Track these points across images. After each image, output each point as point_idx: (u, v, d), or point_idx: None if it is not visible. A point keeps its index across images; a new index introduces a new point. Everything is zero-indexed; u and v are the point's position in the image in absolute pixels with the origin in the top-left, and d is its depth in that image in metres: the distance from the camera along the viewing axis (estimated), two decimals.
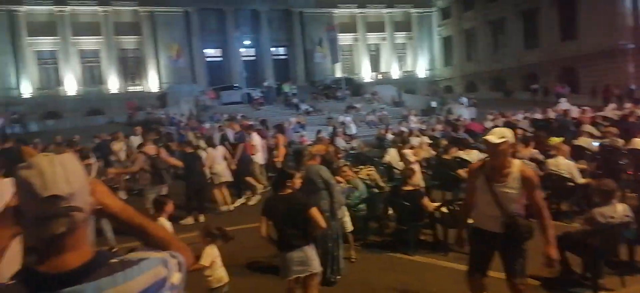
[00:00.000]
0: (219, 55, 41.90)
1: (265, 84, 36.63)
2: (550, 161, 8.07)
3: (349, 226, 6.45)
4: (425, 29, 48.23)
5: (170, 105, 31.89)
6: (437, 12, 48.15)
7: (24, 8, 35.09)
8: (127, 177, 11.62)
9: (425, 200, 6.89)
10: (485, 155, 9.92)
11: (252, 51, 42.18)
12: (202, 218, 8.89)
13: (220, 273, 4.52)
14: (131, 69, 39.35)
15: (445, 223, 6.76)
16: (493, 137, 3.63)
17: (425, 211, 6.81)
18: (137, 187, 11.25)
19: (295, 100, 32.58)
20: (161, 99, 36.06)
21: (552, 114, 18.63)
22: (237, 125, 15.42)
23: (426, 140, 12.19)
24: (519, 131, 11.72)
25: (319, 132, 16.36)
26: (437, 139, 14.14)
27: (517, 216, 3.65)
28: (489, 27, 42.48)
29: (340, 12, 44.43)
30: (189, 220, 8.74)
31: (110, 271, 1.19)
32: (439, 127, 18.97)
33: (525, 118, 19.19)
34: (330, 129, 19.99)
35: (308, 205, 4.39)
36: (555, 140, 9.59)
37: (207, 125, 22.87)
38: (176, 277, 1.31)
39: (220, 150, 9.90)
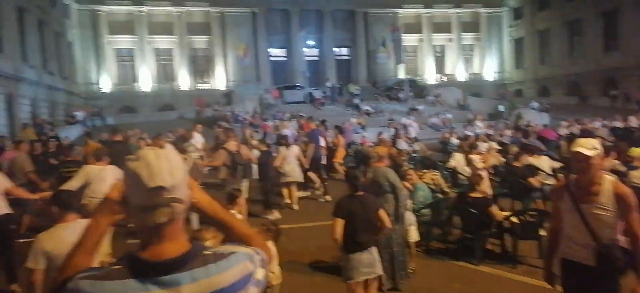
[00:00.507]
0: (283, 54, 42.69)
1: (328, 83, 36.87)
2: (633, 173, 7.45)
3: (415, 236, 6.24)
4: (494, 30, 46.32)
5: (236, 103, 32.88)
6: (508, 12, 46.06)
7: (105, 8, 37.68)
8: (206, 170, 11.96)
9: (494, 209, 6.60)
10: (560, 163, 9.35)
11: (315, 51, 42.61)
12: (276, 214, 9.14)
13: (278, 270, 4.56)
14: (201, 67, 41.12)
15: (515, 233, 6.44)
16: (584, 149, 3.01)
17: (493, 220, 6.53)
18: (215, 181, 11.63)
19: (356, 101, 32.50)
20: (227, 96, 37.29)
21: (634, 122, 17.25)
22: (286, 124, 15.77)
23: (494, 145, 11.68)
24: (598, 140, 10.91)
25: (380, 133, 16.20)
26: (505, 144, 13.52)
27: (612, 244, 3.01)
28: (565, 28, 40.01)
29: (405, 12, 43.73)
30: (276, 214, 9.01)
31: (203, 262, 1.25)
32: (508, 132, 18.14)
33: (603, 126, 17.92)
34: (391, 130, 19.74)
35: (378, 206, 4.36)
36: (638, 150, 8.84)
37: (269, 123, 23.40)
38: (260, 273, 1.36)
39: (293, 149, 10.07)
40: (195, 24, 39.76)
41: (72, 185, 5.79)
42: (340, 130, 15.44)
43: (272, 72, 41.62)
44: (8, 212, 5.57)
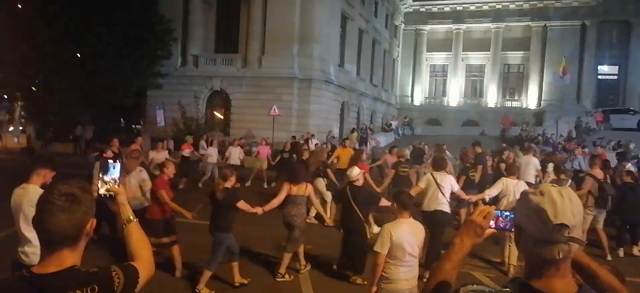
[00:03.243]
0: (615, 72, 36.53)
1: None
2: None
3: None
4: None
5: (547, 124, 30.17)
6: None
7: (427, 27, 40.81)
8: None
9: None
10: None
11: None
12: (636, 251, 8.19)
13: None
14: (511, 84, 39.59)
15: None
16: None
17: None
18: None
19: None
20: (537, 116, 34.64)
21: None
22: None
23: None
24: None
25: None
26: None
27: None
28: None
29: None
30: (620, 253, 8.12)
31: None
32: None
33: None
34: None
35: None
36: None
37: (586, 150, 20.40)
38: None
39: None
40: (512, 40, 38.44)
41: (417, 189, 6.84)
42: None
43: (598, 93, 36.37)
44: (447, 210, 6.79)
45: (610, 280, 1.44)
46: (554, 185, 1.31)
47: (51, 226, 1.48)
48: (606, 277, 1.44)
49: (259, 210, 5.83)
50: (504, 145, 19.30)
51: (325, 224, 6.45)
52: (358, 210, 5.92)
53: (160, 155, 12.01)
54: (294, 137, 19.06)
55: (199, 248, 6.30)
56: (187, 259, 6.28)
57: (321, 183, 9.83)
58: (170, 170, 6.25)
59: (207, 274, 5.56)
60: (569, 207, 1.25)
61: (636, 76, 34.22)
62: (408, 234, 3.94)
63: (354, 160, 8.66)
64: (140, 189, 6.64)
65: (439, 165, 7.10)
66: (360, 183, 6.20)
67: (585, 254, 1.45)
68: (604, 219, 7.95)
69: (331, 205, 9.24)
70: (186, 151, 14.42)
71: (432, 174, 6.88)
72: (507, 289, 1.30)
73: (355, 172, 6.18)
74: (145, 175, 6.83)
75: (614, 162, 13.04)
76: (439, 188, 6.65)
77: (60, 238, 1.50)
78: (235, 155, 14.38)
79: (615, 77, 36.53)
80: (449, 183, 6.81)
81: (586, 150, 20.45)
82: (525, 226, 1.32)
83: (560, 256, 1.25)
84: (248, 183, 14.19)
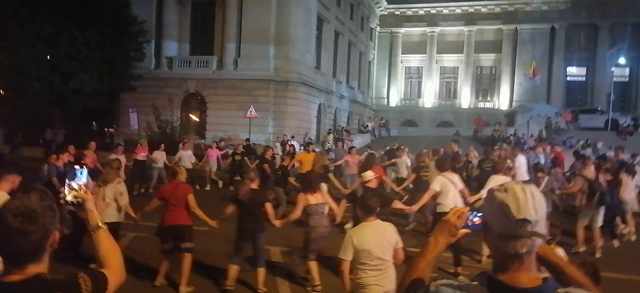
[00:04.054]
0: (582, 74, 37.71)
1: None
2: None
3: None
4: None
5: (518, 124, 30.94)
6: None
7: (402, 30, 41.28)
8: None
9: None
10: None
11: (625, 71, 35.90)
12: (616, 243, 8.49)
13: None
14: (484, 85, 40.41)
15: None
16: None
17: None
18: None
19: None
20: (509, 117, 35.46)
21: None
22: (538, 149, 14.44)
23: None
24: None
25: None
26: None
27: None
28: None
29: None
30: (615, 243, 8.54)
31: None
32: None
33: None
34: None
35: None
36: None
37: (558, 149, 20.98)
38: None
39: (637, 179, 9.19)
40: (485, 42, 39.25)
41: (431, 192, 6.76)
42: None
43: (567, 93, 37.48)
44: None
45: (577, 275, 1.46)
46: (518, 182, 1.35)
47: (9, 249, 1.46)
48: (573, 272, 1.46)
49: (277, 223, 5.75)
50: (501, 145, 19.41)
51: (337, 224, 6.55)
52: None
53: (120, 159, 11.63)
54: (247, 139, 18.67)
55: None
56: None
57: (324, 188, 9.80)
58: (184, 175, 6.16)
59: (263, 272, 5.66)
60: (531, 203, 1.28)
61: (603, 77, 35.37)
62: (373, 237, 3.80)
63: (368, 164, 8.67)
64: (115, 202, 6.19)
65: (445, 165, 7.07)
66: (373, 184, 6.30)
67: (551, 250, 1.48)
68: (601, 217, 8.02)
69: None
70: (140, 154, 13.72)
71: (444, 175, 6.84)
72: (475, 282, 1.34)
73: (369, 174, 6.37)
74: (123, 188, 6.44)
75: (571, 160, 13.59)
76: (456, 188, 6.71)
77: (20, 258, 1.47)
78: (186, 158, 13.93)
79: (583, 78, 37.69)
80: (458, 182, 6.88)
81: (558, 148, 21.08)
82: (492, 222, 1.35)
83: (524, 250, 1.29)
84: (208, 188, 14.24)
